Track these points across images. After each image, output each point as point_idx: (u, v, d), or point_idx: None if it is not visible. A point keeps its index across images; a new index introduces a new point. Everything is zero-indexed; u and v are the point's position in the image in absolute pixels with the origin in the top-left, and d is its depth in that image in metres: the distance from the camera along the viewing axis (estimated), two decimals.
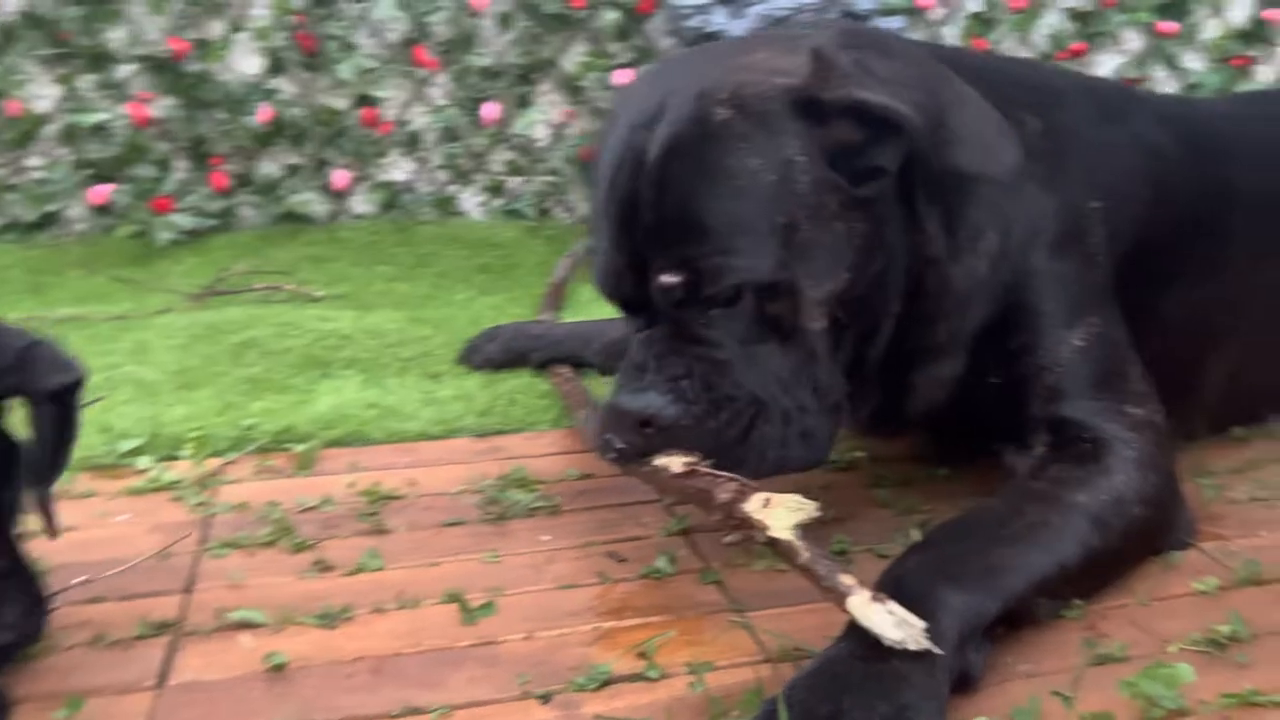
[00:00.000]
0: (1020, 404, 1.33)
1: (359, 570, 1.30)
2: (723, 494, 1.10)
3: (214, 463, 1.63)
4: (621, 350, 2.03)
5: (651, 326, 1.23)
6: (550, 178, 3.69)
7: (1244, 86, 4.26)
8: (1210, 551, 1.33)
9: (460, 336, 2.35)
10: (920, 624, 0.96)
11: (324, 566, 1.31)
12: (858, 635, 0.99)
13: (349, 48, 3.43)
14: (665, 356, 1.20)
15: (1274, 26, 4.20)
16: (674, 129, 1.20)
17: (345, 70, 3.40)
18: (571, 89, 3.64)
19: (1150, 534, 1.26)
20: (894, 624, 0.96)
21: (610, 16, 3.55)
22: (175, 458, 1.63)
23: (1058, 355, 1.32)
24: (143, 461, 1.61)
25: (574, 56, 3.62)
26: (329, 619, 1.18)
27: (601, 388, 1.95)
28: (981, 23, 3.92)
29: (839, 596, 1.00)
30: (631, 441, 1.20)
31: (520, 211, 3.68)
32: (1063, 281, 1.35)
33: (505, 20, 3.53)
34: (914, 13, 3.81)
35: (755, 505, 1.07)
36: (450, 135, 3.58)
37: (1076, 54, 4.00)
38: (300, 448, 1.66)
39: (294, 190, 3.50)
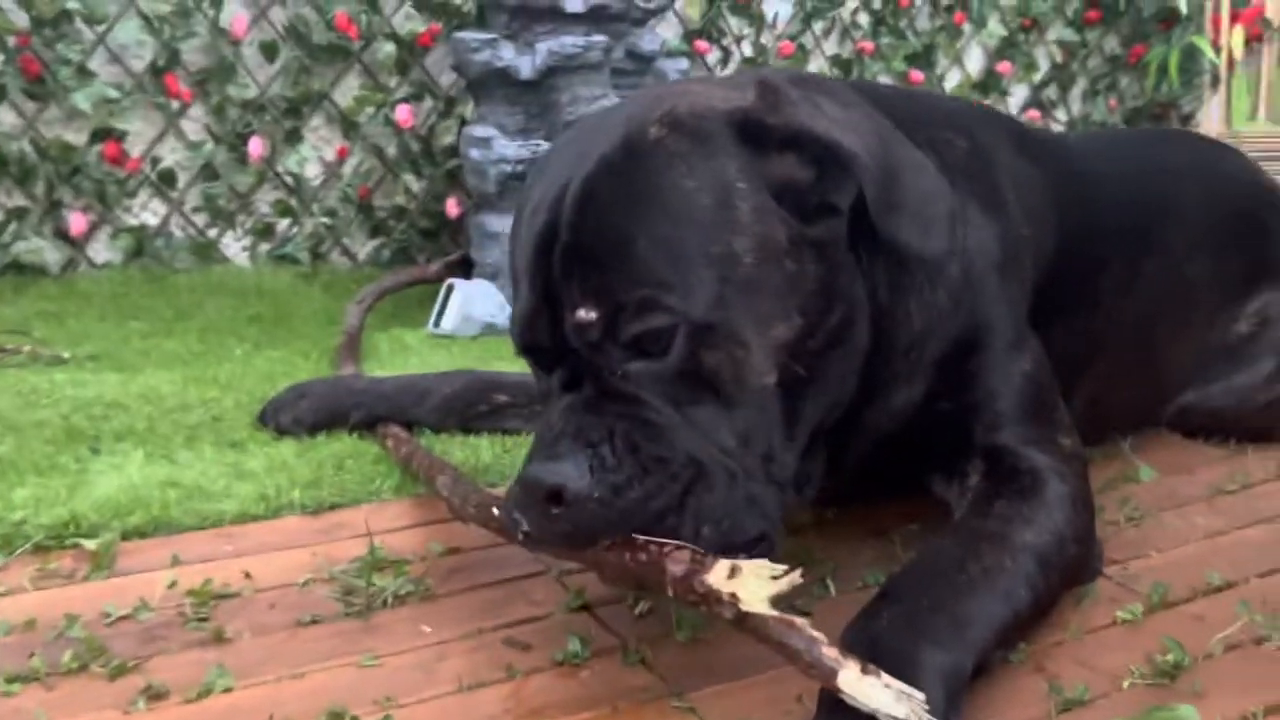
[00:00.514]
0: (964, 430, 1.27)
1: (205, 693, 1.04)
2: (676, 566, 0.95)
3: None
4: (458, 408, 1.86)
5: (571, 385, 1.05)
6: (325, 219, 3.40)
7: None
8: (1115, 577, 1.32)
9: (256, 396, 2.07)
10: (919, 695, 0.86)
11: (156, 694, 1.04)
12: (835, 711, 0.88)
13: (85, 74, 3.01)
14: (584, 418, 1.01)
15: (1004, 77, 4.59)
16: (600, 150, 1.05)
17: (82, 100, 2.98)
18: (346, 124, 3.38)
19: (1080, 570, 1.23)
20: (894, 698, 0.85)
21: (387, 49, 3.34)
22: None
23: (1009, 381, 1.28)
24: None
25: (348, 90, 3.38)
26: None
27: (442, 446, 1.75)
28: (754, 66, 4.02)
29: (827, 674, 0.88)
30: (540, 521, 1.00)
31: (292, 256, 3.37)
32: (1010, 306, 1.31)
33: (270, 49, 3.23)
34: (691, 56, 3.84)
35: (719, 577, 0.93)
36: (209, 173, 3.22)
37: None
38: (91, 543, 1.35)
39: (20, 236, 3.02)
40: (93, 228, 3.12)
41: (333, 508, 1.53)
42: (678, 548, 0.97)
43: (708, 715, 1.02)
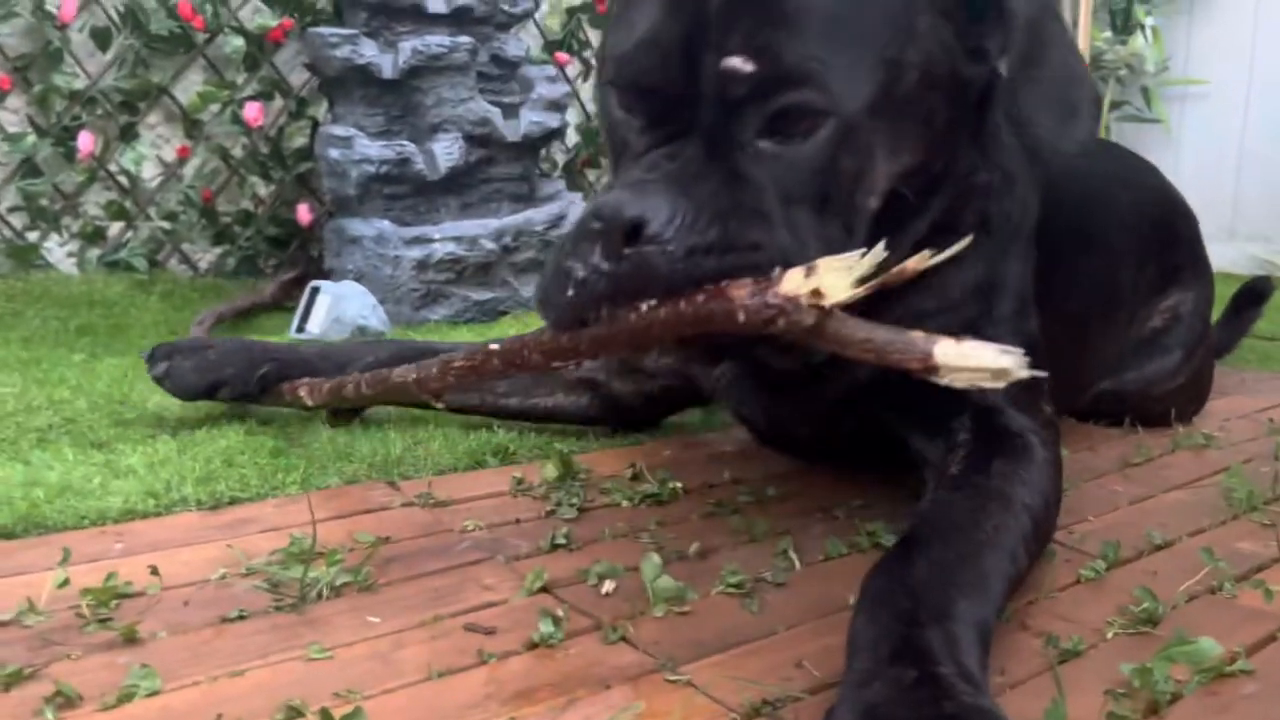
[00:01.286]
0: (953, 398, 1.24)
1: (127, 698, 0.87)
2: (741, 290, 0.87)
3: None
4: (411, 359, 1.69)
5: (674, 139, 0.95)
6: (163, 224, 3.13)
7: None
8: (1065, 540, 1.32)
9: (113, 398, 1.85)
10: (1018, 351, 0.83)
11: (67, 701, 0.87)
12: (892, 670, 0.80)
13: None
14: (691, 173, 0.91)
15: None
16: None
17: None
18: (188, 122, 3.13)
19: (1053, 531, 1.23)
20: (996, 353, 0.82)
21: (235, 43, 3.12)
22: None
23: (1013, 340, 1.26)
24: None
25: (190, 85, 3.13)
26: None
27: (344, 438, 1.60)
28: None
29: (922, 354, 0.84)
30: (602, 260, 0.90)
31: (126, 263, 3.08)
32: (1025, 273, 1.31)
33: (102, 36, 2.96)
34: (555, 66, 3.79)
35: (795, 280, 0.85)
36: (31, 170, 2.91)
37: None
38: None
39: None
40: None
41: (233, 502, 1.35)
42: (735, 283, 0.88)
43: (707, 687, 0.94)
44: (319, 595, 1.09)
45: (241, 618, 1.04)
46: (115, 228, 3.09)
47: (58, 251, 3.02)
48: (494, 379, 1.23)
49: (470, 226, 3.07)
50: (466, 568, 1.19)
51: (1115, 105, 5.04)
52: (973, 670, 0.81)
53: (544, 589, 1.13)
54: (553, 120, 3.30)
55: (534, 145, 3.31)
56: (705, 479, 1.54)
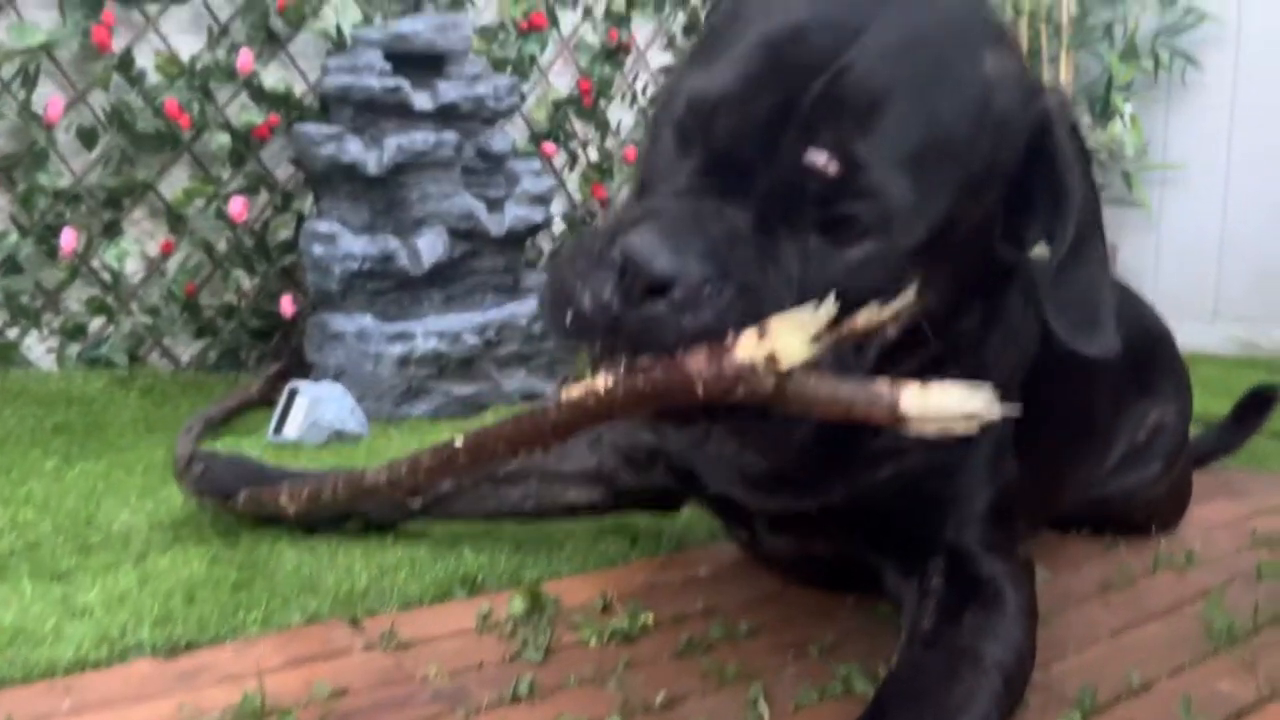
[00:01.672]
0: (936, 521, 1.25)
1: None
2: (697, 361, 0.86)
3: None
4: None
5: (727, 192, 0.94)
6: (145, 318, 3.13)
7: None
8: (1041, 681, 1.29)
9: (80, 518, 1.83)
10: (986, 389, 0.83)
11: None
12: None
13: None
14: (733, 243, 0.90)
15: None
16: (930, 30, 0.97)
17: None
18: (172, 217, 3.14)
19: (1026, 682, 1.20)
20: (964, 395, 0.82)
21: (221, 139, 3.15)
22: None
23: (989, 483, 1.28)
24: None
25: (176, 181, 3.15)
26: None
27: (308, 568, 1.58)
28: (600, 171, 4.05)
29: (889, 404, 0.83)
30: (612, 300, 0.88)
31: (106, 358, 3.07)
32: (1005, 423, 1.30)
33: (88, 136, 2.98)
34: (539, 158, 3.83)
35: (749, 345, 0.85)
36: (12, 268, 2.91)
37: None
38: None
39: None
40: None
41: (189, 646, 1.32)
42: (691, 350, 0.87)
43: None
44: None
45: None
46: (96, 323, 3.08)
47: (37, 348, 3.01)
48: (464, 474, 1.21)
49: (453, 321, 3.07)
50: None
51: None
52: None
53: None
54: (537, 215, 3.32)
55: (519, 238, 3.32)
56: (678, 608, 1.52)
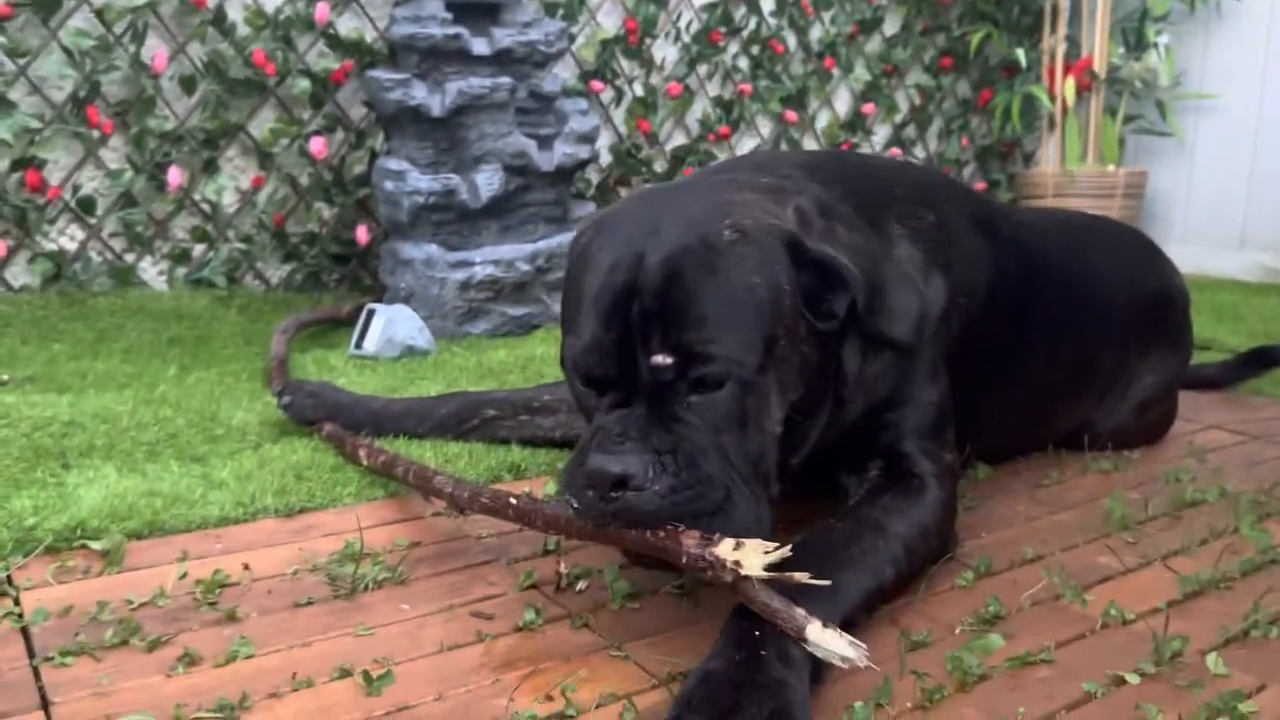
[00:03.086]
0: (875, 439, 1.61)
1: (231, 659, 1.27)
2: (690, 541, 1.22)
3: None
4: (453, 424, 2.13)
5: (622, 404, 1.31)
6: (240, 245, 3.56)
7: None
8: (953, 554, 1.66)
9: (205, 415, 2.26)
10: (863, 646, 1.15)
11: (191, 660, 1.26)
12: (731, 651, 1.17)
13: (6, 105, 3.11)
14: (648, 429, 1.28)
15: (869, 117, 5.03)
16: (681, 238, 1.33)
17: (3, 129, 3.09)
18: (261, 155, 3.55)
19: (936, 556, 1.56)
20: (848, 645, 1.14)
21: (302, 84, 3.53)
22: None
23: (919, 405, 1.63)
24: None
25: (263, 122, 3.55)
26: (228, 710, 1.15)
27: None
28: (645, 105, 4.34)
29: (799, 626, 1.16)
30: (597, 504, 1.26)
31: (209, 280, 3.51)
32: (935, 349, 1.65)
33: (188, 83, 3.38)
34: (587, 95, 4.14)
35: (726, 549, 1.20)
36: (128, 201, 3.35)
37: (723, 137, 4.55)
38: (98, 544, 1.55)
39: None
40: (11, 252, 3.21)
41: (302, 510, 1.75)
42: (689, 530, 1.24)
43: (642, 661, 1.30)
44: (365, 588, 1.48)
45: (310, 604, 1.43)
46: (199, 249, 3.52)
47: (150, 271, 3.46)
48: (505, 519, 1.53)
49: (508, 250, 3.45)
50: (477, 567, 1.57)
51: (1130, 119, 5.25)
52: (794, 656, 1.15)
53: (533, 586, 1.50)
54: (583, 152, 3.65)
55: (567, 173, 3.66)
56: None
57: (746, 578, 1.19)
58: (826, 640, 1.13)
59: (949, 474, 1.64)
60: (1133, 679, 1.28)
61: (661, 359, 1.30)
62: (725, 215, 1.38)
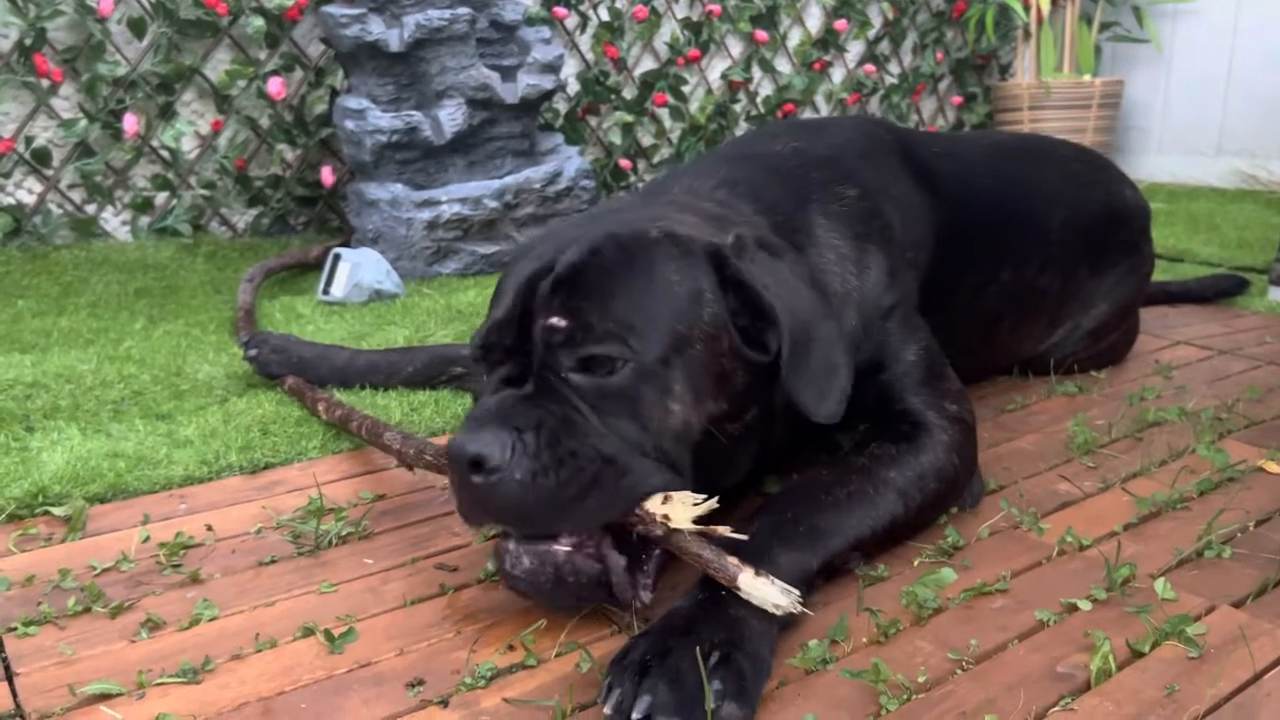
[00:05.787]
0: (862, 402, 1.51)
1: (195, 622, 1.28)
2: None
3: None
4: (422, 380, 2.12)
5: (512, 383, 1.27)
6: (204, 191, 3.51)
7: (823, 87, 4.97)
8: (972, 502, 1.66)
9: (171, 370, 2.25)
10: (796, 593, 1.15)
11: (154, 625, 1.27)
12: (695, 593, 1.19)
13: None
14: (516, 408, 1.22)
15: (841, 34, 4.94)
16: (608, 231, 1.30)
17: None
18: (219, 98, 3.47)
19: (941, 504, 1.52)
20: (780, 592, 1.14)
21: (256, 23, 3.44)
22: None
23: (902, 364, 1.58)
24: None
25: (219, 64, 3.46)
26: (190, 674, 1.16)
27: (358, 403, 1.99)
28: (611, 30, 4.25)
29: (731, 576, 1.15)
30: (462, 489, 1.19)
31: (173, 229, 3.47)
32: (899, 313, 1.61)
33: (137, 25, 3.29)
34: (551, 22, 4.05)
35: (655, 504, 1.20)
36: (85, 151, 3.28)
37: (693, 60, 4.46)
38: (60, 510, 1.55)
39: None
40: None
41: (267, 467, 1.75)
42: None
43: (603, 610, 1.31)
44: (329, 544, 1.49)
45: (273, 562, 1.44)
46: (161, 197, 3.47)
47: (113, 221, 3.41)
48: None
49: (475, 187, 3.40)
50: (441, 519, 1.57)
51: (1105, 26, 5.16)
52: None
53: (494, 536, 1.51)
54: (547, 82, 3.58)
55: (532, 105, 3.60)
56: None
57: (677, 530, 1.19)
58: (758, 588, 1.14)
59: (955, 420, 1.56)
60: (1084, 605, 1.30)
61: (556, 320, 1.24)
62: (657, 221, 1.35)
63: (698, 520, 1.19)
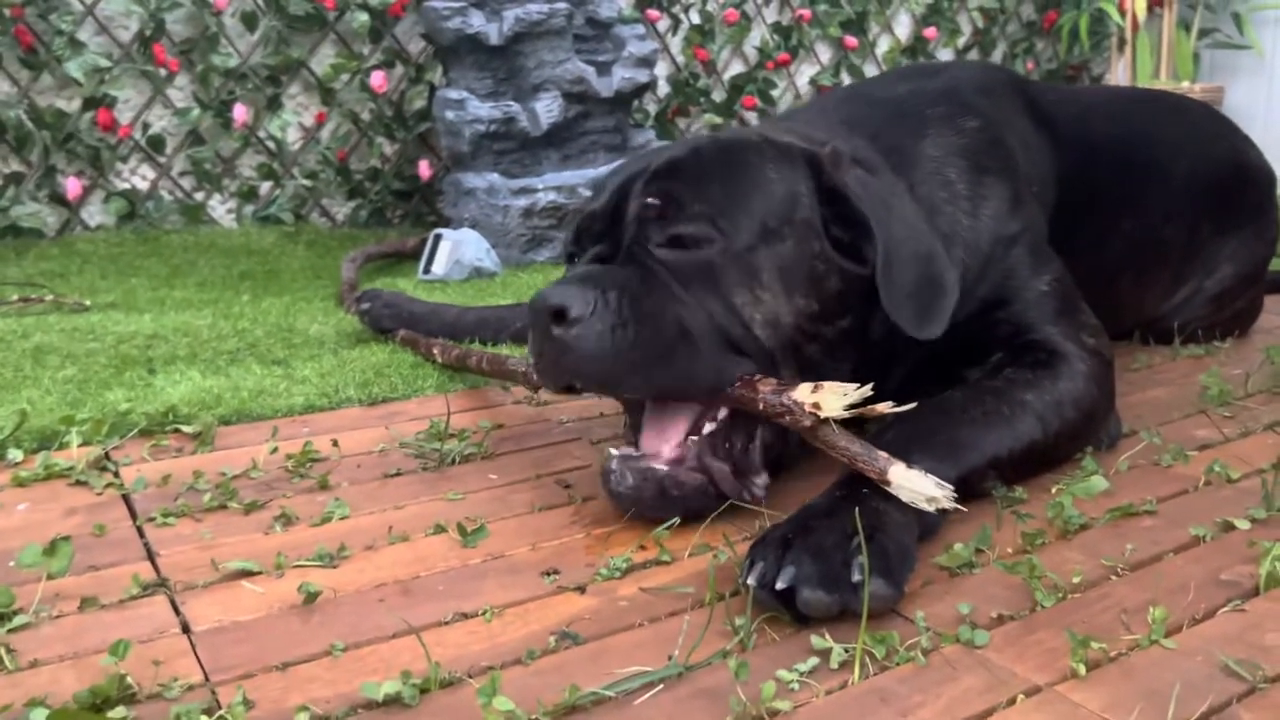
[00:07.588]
0: (991, 336, 1.50)
1: (327, 519, 1.28)
2: (766, 387, 1.19)
3: (86, 450, 1.50)
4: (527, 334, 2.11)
5: (601, 259, 1.27)
6: (306, 182, 3.59)
7: None
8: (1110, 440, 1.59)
9: (283, 327, 2.29)
10: (950, 487, 1.09)
11: (288, 520, 1.28)
12: (832, 490, 1.16)
13: (76, 44, 3.16)
14: (603, 272, 1.22)
15: (930, 42, 4.92)
16: (710, 137, 1.32)
17: (74, 69, 3.14)
18: (323, 91, 3.57)
19: (1079, 436, 1.46)
20: (934, 485, 1.09)
21: (361, 18, 3.53)
22: (53, 447, 1.50)
23: (1029, 294, 1.52)
24: (14, 454, 1.46)
25: (324, 58, 3.56)
26: (327, 558, 1.17)
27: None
28: (702, 33, 4.28)
29: (881, 469, 1.11)
30: (542, 344, 1.19)
31: (276, 217, 3.55)
32: (1024, 241, 1.56)
33: (249, 19, 3.40)
34: (644, 24, 4.09)
35: (804, 393, 1.16)
36: (196, 139, 3.39)
37: (782, 64, 4.47)
38: (189, 427, 1.58)
39: (17, 201, 3.17)
40: (86, 192, 3.28)
41: (385, 400, 1.77)
42: (765, 377, 1.22)
43: (733, 519, 1.28)
44: (453, 461, 1.48)
45: (399, 474, 1.44)
46: (265, 187, 3.56)
47: (219, 209, 3.51)
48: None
49: (569, 176, 3.43)
50: (561, 444, 1.57)
51: (1205, 33, 5.06)
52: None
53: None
54: (642, 75, 3.61)
55: (626, 99, 3.63)
56: None
57: (825, 421, 1.15)
58: (911, 481, 1.08)
59: (1094, 353, 1.50)
60: (1242, 524, 1.24)
61: (651, 200, 1.25)
62: (760, 133, 1.36)
63: (848, 409, 1.15)
